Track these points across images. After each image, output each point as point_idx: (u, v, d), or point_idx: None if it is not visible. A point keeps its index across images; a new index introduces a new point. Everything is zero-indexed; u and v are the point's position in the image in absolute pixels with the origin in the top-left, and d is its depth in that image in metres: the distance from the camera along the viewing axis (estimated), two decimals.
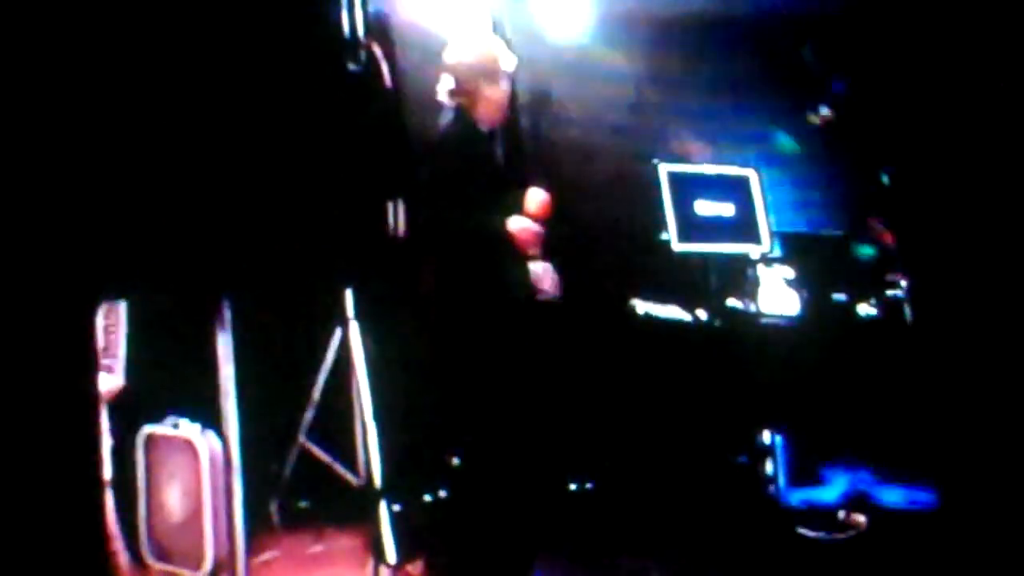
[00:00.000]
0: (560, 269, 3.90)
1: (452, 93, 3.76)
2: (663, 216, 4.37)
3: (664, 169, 4.37)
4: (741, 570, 3.61)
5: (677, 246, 4.33)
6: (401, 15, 4.59)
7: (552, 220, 3.71)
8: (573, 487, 4.07)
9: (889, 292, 4.43)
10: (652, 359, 4.12)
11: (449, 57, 3.82)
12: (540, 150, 4.67)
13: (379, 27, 4.23)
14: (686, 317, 4.27)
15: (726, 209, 4.60)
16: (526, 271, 3.69)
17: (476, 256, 3.52)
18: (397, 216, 3.83)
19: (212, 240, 3.17)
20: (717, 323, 4.29)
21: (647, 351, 4.15)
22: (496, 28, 4.78)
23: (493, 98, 3.75)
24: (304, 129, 3.62)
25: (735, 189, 4.64)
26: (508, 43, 4.81)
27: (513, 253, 3.58)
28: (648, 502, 3.92)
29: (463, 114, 3.74)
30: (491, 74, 3.77)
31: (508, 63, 3.85)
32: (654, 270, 4.44)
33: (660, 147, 4.50)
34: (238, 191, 3.34)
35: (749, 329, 4.33)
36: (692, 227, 4.44)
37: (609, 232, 4.71)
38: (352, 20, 3.92)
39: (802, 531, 3.92)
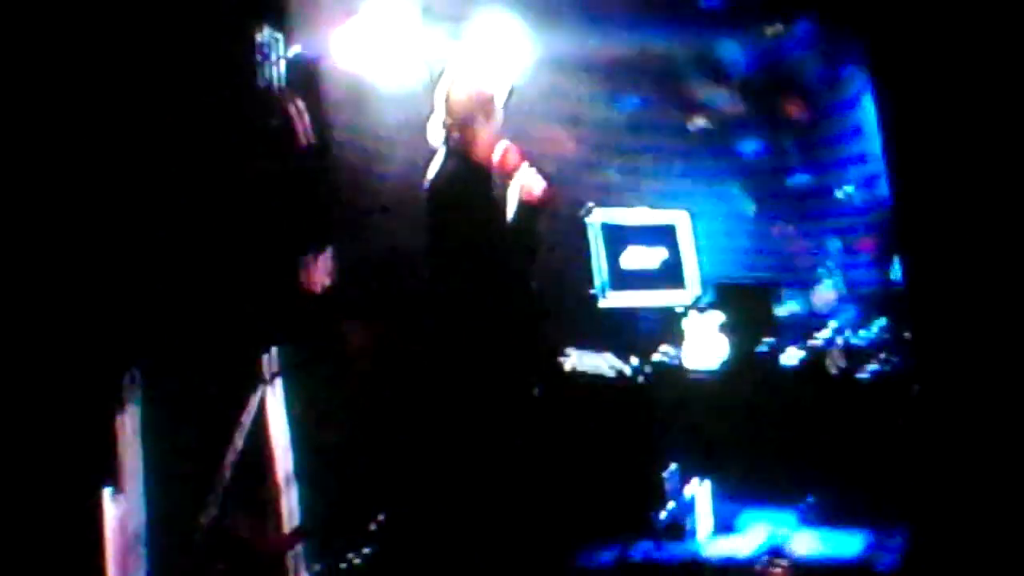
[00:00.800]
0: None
1: (448, 131, 3.50)
2: (593, 267, 4.41)
3: (594, 219, 4.39)
4: None
5: (604, 301, 4.37)
6: (330, 61, 4.56)
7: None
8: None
9: (811, 342, 4.51)
10: (577, 414, 4.13)
11: (442, 92, 3.59)
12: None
13: (303, 76, 4.19)
14: (610, 372, 4.29)
15: (656, 256, 4.64)
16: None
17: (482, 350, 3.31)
18: (319, 268, 3.80)
19: (121, 309, 3.13)
20: (640, 378, 4.32)
21: (573, 406, 4.16)
22: (431, 72, 4.78)
23: (490, 135, 3.50)
24: (218, 189, 3.58)
25: (664, 236, 4.69)
26: (443, 88, 4.85)
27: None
28: (568, 558, 3.93)
29: (461, 154, 3.48)
30: (488, 109, 3.53)
31: (503, 93, 3.61)
32: (587, 322, 4.46)
33: (593, 196, 4.50)
34: (147, 256, 3.30)
35: (674, 380, 4.37)
36: (621, 278, 4.48)
37: (541, 283, 4.73)
38: (270, 75, 3.87)
39: None
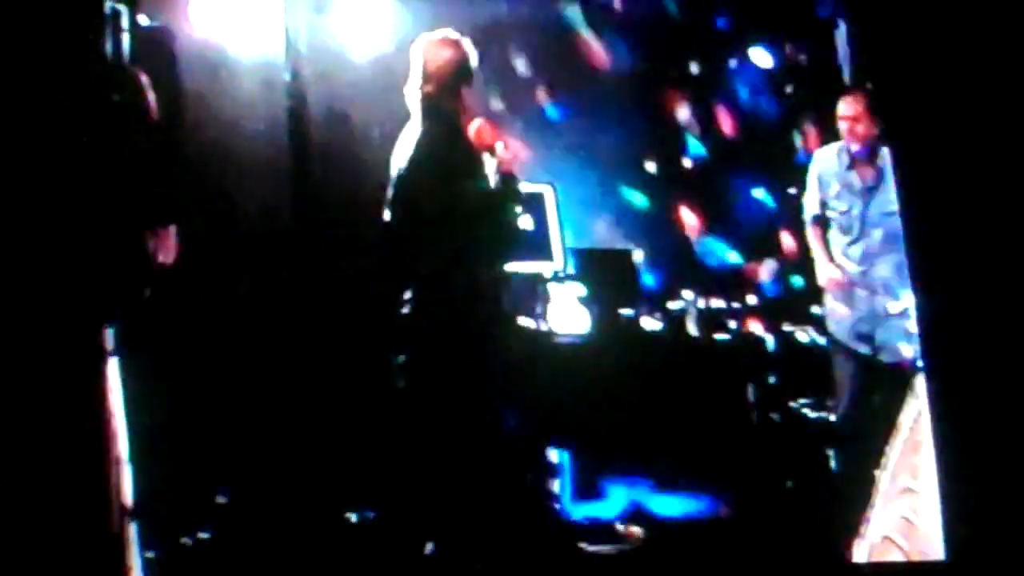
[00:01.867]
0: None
1: (431, 95, 3.33)
2: None
3: None
4: None
5: None
6: (185, 31, 4.47)
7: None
8: (354, 518, 4.07)
9: (673, 306, 4.58)
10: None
11: (424, 53, 3.41)
12: (335, 171, 4.61)
13: (155, 44, 4.09)
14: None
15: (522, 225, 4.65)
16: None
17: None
18: (162, 244, 3.72)
19: None
20: (508, 343, 4.34)
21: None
22: (291, 44, 4.71)
23: (471, 103, 3.40)
24: (60, 164, 3.48)
25: (530, 205, 4.70)
26: (303, 60, 4.79)
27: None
28: (433, 525, 3.95)
29: (450, 120, 3.34)
30: (469, 77, 3.41)
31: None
32: None
33: None
34: None
35: (540, 348, 4.40)
36: None
37: None
38: (117, 46, 3.76)
39: (583, 546, 4.02)
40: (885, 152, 4.10)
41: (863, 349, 4.12)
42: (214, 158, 4.39)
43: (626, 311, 4.50)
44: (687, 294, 4.55)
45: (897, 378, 3.71)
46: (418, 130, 3.48)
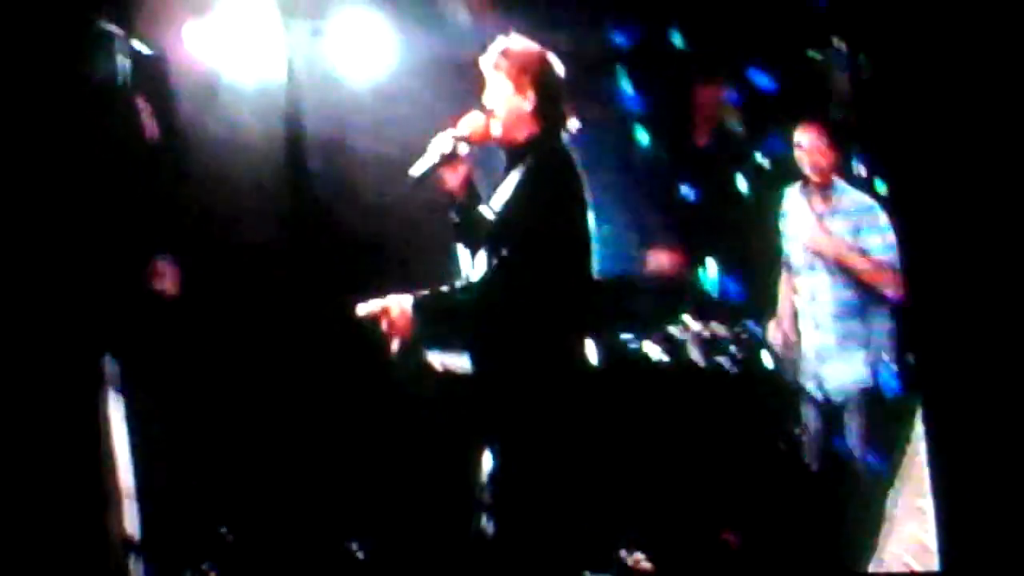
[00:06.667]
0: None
1: (548, 114, 2.99)
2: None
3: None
4: None
5: None
6: (181, 56, 4.42)
7: None
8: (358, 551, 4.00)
9: (673, 331, 4.56)
10: (440, 404, 4.10)
11: (539, 63, 3.05)
12: (330, 198, 4.57)
13: (151, 71, 4.05)
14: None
15: None
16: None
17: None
18: (160, 273, 3.67)
19: None
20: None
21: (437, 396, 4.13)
22: (289, 68, 4.68)
23: None
24: (56, 189, 3.44)
25: None
26: (301, 84, 4.76)
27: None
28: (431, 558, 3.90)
29: (559, 141, 3.04)
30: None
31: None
32: None
33: None
34: None
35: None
36: None
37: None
38: (112, 69, 3.73)
39: None
40: (839, 183, 4.14)
41: (810, 386, 4.13)
42: (211, 183, 4.35)
43: (626, 335, 4.48)
44: (688, 319, 4.54)
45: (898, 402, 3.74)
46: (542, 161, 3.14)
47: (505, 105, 3.03)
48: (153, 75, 4.06)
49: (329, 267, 4.43)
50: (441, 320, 3.06)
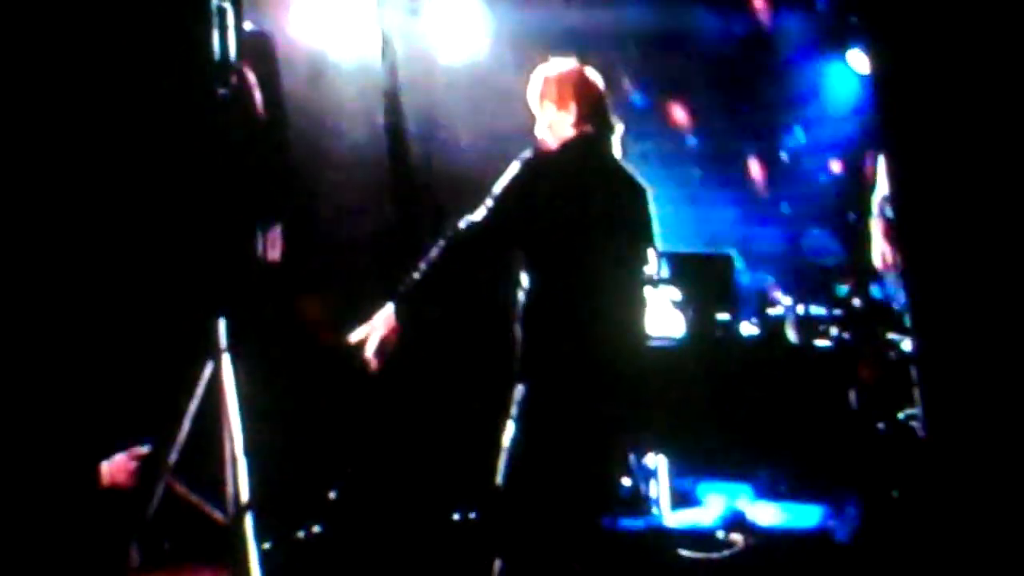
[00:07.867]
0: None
1: (591, 122, 3.10)
2: None
3: None
4: None
5: None
6: (286, 34, 4.51)
7: None
8: (456, 517, 4.04)
9: (771, 312, 4.52)
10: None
11: (577, 75, 3.17)
12: (429, 178, 4.62)
13: (257, 48, 4.14)
14: None
15: None
16: None
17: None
18: (270, 242, 3.75)
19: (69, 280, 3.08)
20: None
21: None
22: (385, 48, 4.74)
23: None
24: (167, 155, 3.53)
25: None
26: (397, 65, 4.81)
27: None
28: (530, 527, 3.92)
29: (600, 145, 3.13)
30: None
31: None
32: None
33: None
34: (97, 223, 3.25)
35: None
36: None
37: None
38: (223, 43, 3.81)
39: (683, 553, 3.96)
40: None
41: None
42: (314, 159, 4.43)
43: (722, 315, 4.45)
44: (786, 299, 4.49)
45: None
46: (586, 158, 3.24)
47: (553, 122, 3.16)
48: (259, 52, 4.15)
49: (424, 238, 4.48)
50: (420, 299, 3.16)
